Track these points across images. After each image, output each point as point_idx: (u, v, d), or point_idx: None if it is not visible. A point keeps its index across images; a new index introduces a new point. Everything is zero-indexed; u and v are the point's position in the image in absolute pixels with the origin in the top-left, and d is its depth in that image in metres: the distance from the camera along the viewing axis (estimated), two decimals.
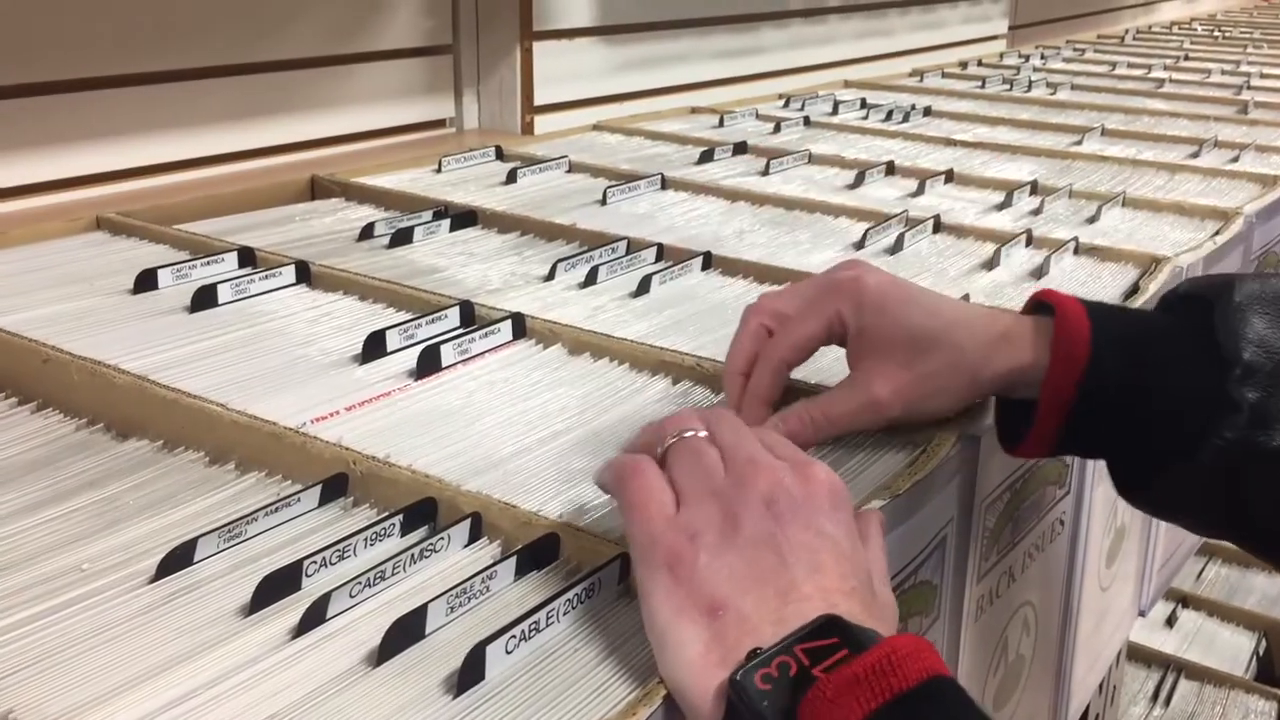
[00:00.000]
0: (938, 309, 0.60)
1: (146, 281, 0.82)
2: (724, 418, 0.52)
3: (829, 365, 0.67)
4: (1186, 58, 2.23)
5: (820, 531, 0.46)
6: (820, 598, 0.43)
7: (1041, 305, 0.61)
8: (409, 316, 0.76)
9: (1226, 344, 0.56)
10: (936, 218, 1.04)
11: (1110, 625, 0.98)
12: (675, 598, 0.44)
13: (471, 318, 0.77)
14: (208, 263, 0.86)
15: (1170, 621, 1.96)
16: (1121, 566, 0.98)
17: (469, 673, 0.43)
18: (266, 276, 0.83)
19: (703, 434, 0.50)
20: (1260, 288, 0.58)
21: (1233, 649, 1.92)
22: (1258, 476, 0.55)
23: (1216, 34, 2.73)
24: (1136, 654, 1.84)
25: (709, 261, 0.92)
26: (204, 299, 0.79)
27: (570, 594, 0.47)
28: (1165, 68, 2.07)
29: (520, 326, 0.75)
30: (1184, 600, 2.01)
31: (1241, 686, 1.81)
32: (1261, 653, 1.93)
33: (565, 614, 0.47)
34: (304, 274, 0.85)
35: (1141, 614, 1.05)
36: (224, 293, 0.81)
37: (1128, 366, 0.57)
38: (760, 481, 0.47)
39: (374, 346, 0.72)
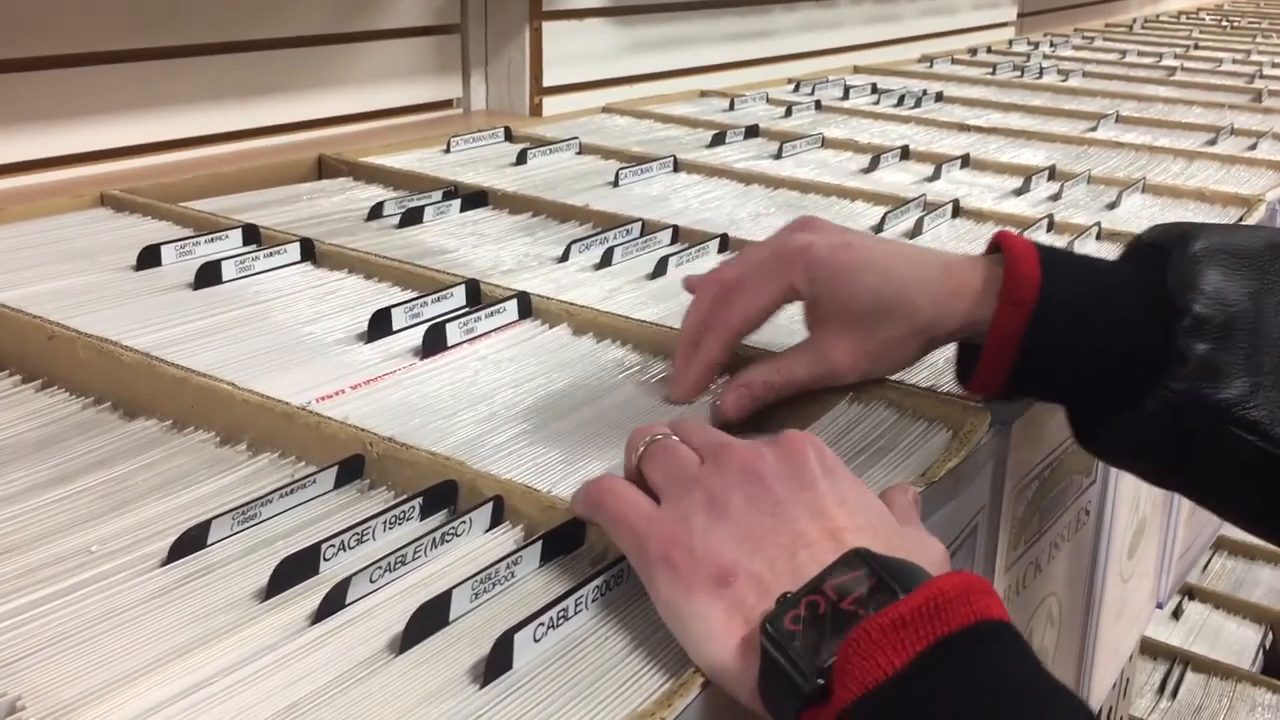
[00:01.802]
0: (892, 271, 0.59)
1: (150, 258, 0.80)
2: (689, 421, 0.52)
3: (784, 324, 0.66)
4: (1196, 46, 2.21)
5: (810, 486, 0.45)
6: (829, 539, 0.43)
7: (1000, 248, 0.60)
8: (414, 295, 0.74)
9: (1178, 294, 0.55)
10: (955, 202, 1.02)
11: (1129, 618, 0.96)
12: (681, 581, 0.43)
13: (478, 296, 0.75)
14: (211, 240, 0.84)
15: (1177, 614, 1.95)
16: (1142, 558, 0.96)
17: (496, 661, 0.42)
18: (271, 254, 0.81)
19: (672, 436, 0.50)
20: (1220, 239, 0.57)
21: (1239, 642, 1.91)
22: (1203, 428, 0.54)
23: (1225, 23, 2.71)
24: (1143, 646, 1.83)
25: (725, 244, 0.90)
26: (207, 276, 0.78)
27: (599, 580, 0.46)
28: (1176, 56, 2.05)
29: (526, 306, 0.74)
30: (1190, 592, 2.00)
31: (1248, 679, 1.79)
32: (1268, 646, 1.92)
33: (594, 601, 0.45)
34: (309, 252, 0.83)
35: (1159, 606, 1.04)
36: (228, 270, 0.79)
37: (1077, 312, 0.57)
38: (737, 459, 0.46)
39: (379, 325, 0.70)
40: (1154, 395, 0.54)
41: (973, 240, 0.96)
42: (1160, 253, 0.58)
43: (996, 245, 0.60)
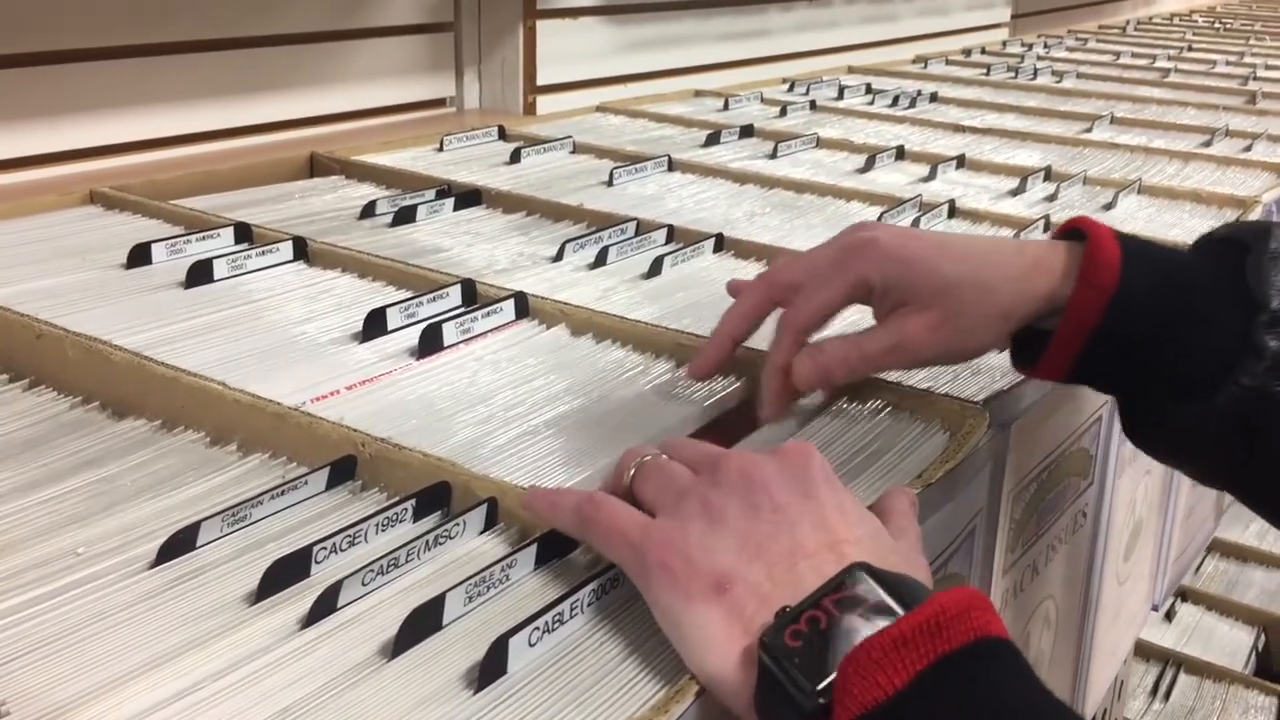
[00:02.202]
0: (963, 253, 0.58)
1: (140, 256, 0.80)
2: (678, 440, 0.51)
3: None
4: (1190, 48, 2.21)
5: (811, 494, 0.44)
6: (829, 551, 0.42)
7: (1073, 233, 0.59)
8: (409, 295, 0.73)
9: (1257, 289, 0.55)
10: (951, 202, 1.01)
11: (1125, 620, 0.96)
12: (679, 587, 0.42)
13: (473, 296, 0.75)
14: (203, 238, 0.83)
15: (1169, 615, 1.95)
16: (1138, 561, 0.96)
17: (491, 666, 0.41)
18: (263, 253, 0.81)
19: (663, 456, 0.49)
20: None
21: (1232, 644, 1.90)
22: (1271, 426, 0.54)
23: (1218, 25, 2.71)
24: (1136, 648, 1.83)
25: (720, 243, 0.89)
26: (199, 275, 0.77)
27: (594, 584, 0.45)
28: (1169, 58, 2.05)
29: (523, 306, 0.73)
30: (1183, 594, 2.00)
31: (1241, 681, 1.79)
32: (1261, 648, 1.92)
33: (589, 605, 0.45)
34: (301, 251, 0.82)
35: (1154, 609, 1.04)
36: (219, 268, 0.78)
37: (1155, 300, 0.56)
38: (734, 469, 0.45)
39: (374, 325, 0.70)
40: (1224, 390, 0.54)
41: None
42: (1238, 248, 0.57)
43: (1067, 231, 0.59)
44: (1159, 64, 1.97)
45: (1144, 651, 1.85)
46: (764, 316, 0.62)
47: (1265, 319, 0.54)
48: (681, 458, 0.48)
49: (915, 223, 0.95)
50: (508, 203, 0.98)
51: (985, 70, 1.82)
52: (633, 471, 0.48)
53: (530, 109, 1.39)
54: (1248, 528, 2.20)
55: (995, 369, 0.65)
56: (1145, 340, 0.56)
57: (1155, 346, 0.56)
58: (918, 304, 0.58)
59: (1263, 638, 1.94)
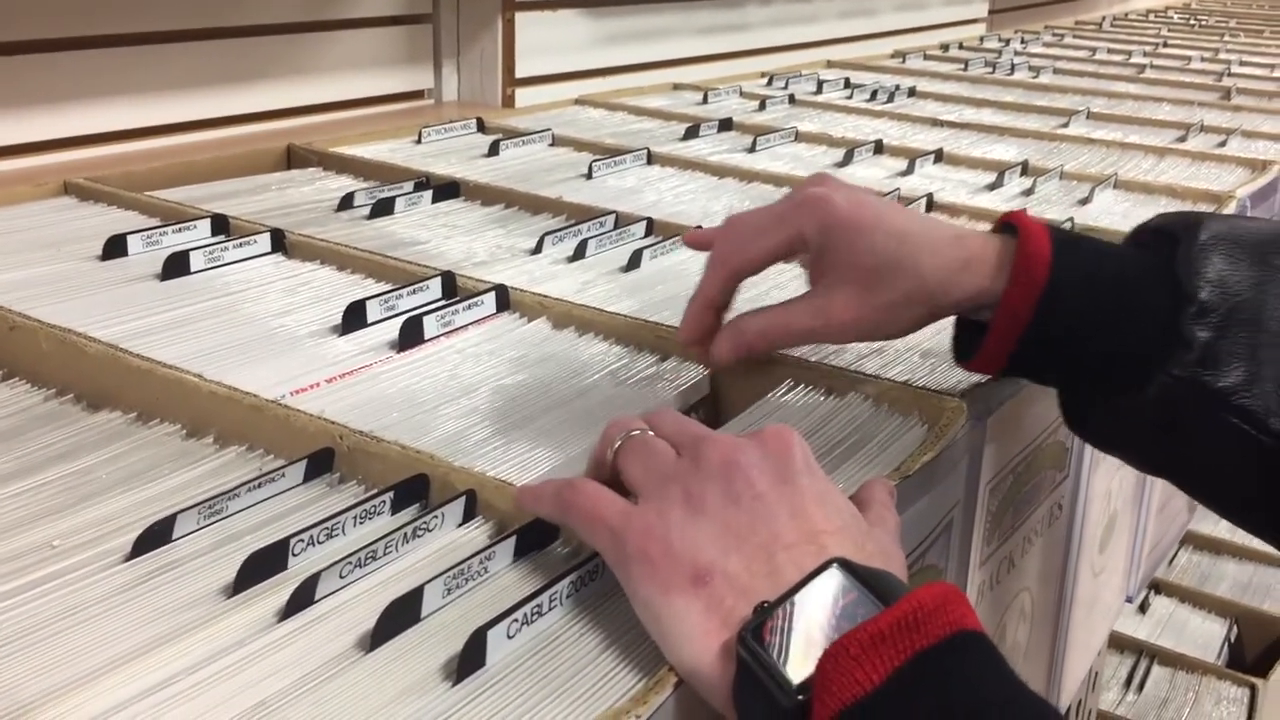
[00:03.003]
0: (904, 232, 0.58)
1: (116, 248, 0.79)
2: (664, 412, 0.51)
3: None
4: (1165, 44, 2.22)
5: (791, 481, 0.44)
6: (808, 541, 0.42)
7: (1007, 227, 0.59)
8: (389, 287, 0.73)
9: (1185, 281, 0.55)
10: (929, 196, 1.02)
11: (1100, 612, 0.97)
12: (658, 578, 0.42)
13: (453, 289, 0.74)
14: (179, 229, 0.82)
15: (1143, 607, 1.96)
16: (1112, 553, 0.96)
17: (469, 658, 0.41)
18: (240, 244, 0.80)
19: (649, 432, 0.49)
20: (1228, 228, 0.57)
21: (1205, 635, 1.92)
22: (1200, 416, 0.54)
23: (1193, 22, 2.73)
24: (1110, 640, 1.84)
25: None
26: (175, 266, 0.76)
27: (573, 576, 0.45)
28: (1145, 54, 2.06)
29: (504, 299, 0.73)
30: (1157, 586, 2.01)
31: (1214, 672, 1.80)
32: (1233, 639, 1.93)
33: (568, 597, 0.45)
34: (279, 243, 0.82)
35: (1129, 600, 1.04)
36: (196, 260, 0.78)
37: (1085, 294, 0.57)
38: (716, 454, 0.45)
39: (354, 317, 0.69)
40: (1155, 381, 0.54)
41: None
42: (1169, 239, 0.58)
43: (1003, 225, 0.60)
44: (1134, 60, 1.98)
45: (1118, 643, 1.86)
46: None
47: (1194, 310, 0.54)
48: (665, 433, 0.48)
49: None
50: (486, 195, 0.98)
51: (963, 65, 1.83)
52: (619, 444, 0.48)
53: (509, 101, 1.39)
54: (1220, 521, 2.22)
55: None
56: (1077, 333, 0.57)
57: (1087, 339, 0.57)
58: (845, 278, 0.59)
59: (1235, 629, 1.95)
